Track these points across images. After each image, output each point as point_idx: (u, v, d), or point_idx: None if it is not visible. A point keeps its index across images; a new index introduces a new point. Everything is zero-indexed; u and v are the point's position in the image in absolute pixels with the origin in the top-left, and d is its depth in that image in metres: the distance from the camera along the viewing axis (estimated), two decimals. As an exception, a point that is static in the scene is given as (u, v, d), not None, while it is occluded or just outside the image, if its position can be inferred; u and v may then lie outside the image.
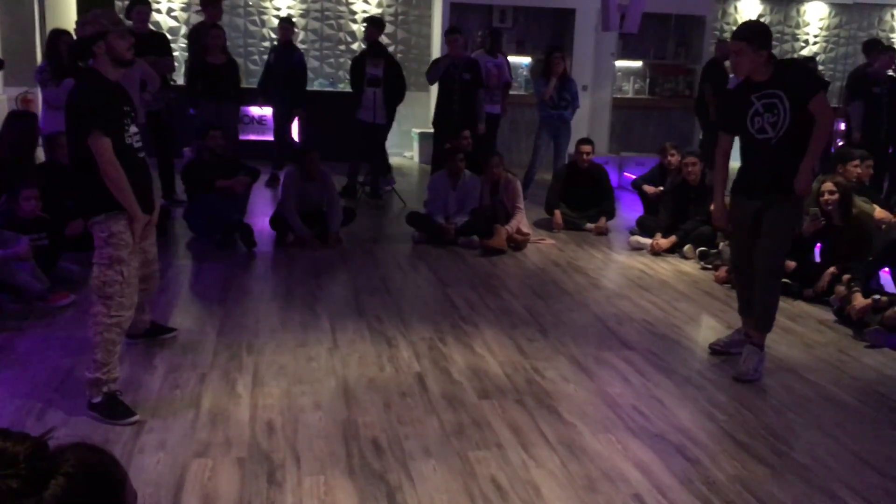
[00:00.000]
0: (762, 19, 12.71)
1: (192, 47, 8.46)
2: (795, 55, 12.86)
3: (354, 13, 11.51)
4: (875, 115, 8.69)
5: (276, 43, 9.69)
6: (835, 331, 5.04)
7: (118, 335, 3.51)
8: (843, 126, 9.43)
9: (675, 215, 6.91)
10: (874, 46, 8.94)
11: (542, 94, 8.50)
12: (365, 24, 9.29)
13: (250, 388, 3.82)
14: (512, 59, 11.52)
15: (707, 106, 9.39)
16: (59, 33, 6.85)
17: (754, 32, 4.06)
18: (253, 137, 10.51)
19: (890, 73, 8.84)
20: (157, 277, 4.15)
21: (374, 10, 11.55)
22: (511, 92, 9.59)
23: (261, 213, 7.31)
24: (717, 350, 4.53)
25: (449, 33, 8.62)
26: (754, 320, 4.29)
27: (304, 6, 11.39)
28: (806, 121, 4.01)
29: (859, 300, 4.91)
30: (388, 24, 11.59)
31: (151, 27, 8.61)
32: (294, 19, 11.32)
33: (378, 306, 5.14)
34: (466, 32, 11.26)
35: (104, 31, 3.43)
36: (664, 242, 6.78)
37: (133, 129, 3.57)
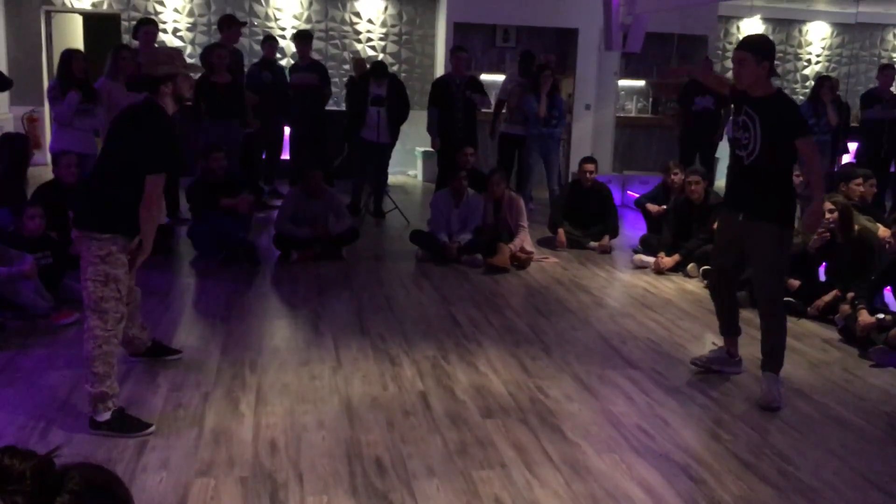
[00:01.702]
0: (764, 39, 12.78)
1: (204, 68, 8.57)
2: (798, 74, 12.93)
3: (359, 33, 11.59)
4: (876, 133, 8.74)
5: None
6: (839, 350, 5.02)
7: (115, 346, 3.55)
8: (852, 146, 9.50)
9: (679, 233, 6.91)
10: (882, 68, 9.11)
11: (535, 112, 8.54)
12: (294, 40, 9.37)
13: (253, 406, 3.82)
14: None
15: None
16: (72, 53, 6.93)
17: (759, 44, 4.10)
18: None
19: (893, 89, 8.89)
20: (137, 290, 4.14)
21: (377, 31, 11.64)
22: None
23: (265, 231, 7.32)
24: (697, 365, 4.53)
25: (455, 51, 8.71)
26: (763, 359, 4.20)
27: (308, 26, 11.47)
28: (783, 155, 4.03)
29: (865, 317, 4.90)
30: (391, 44, 11.68)
31: (156, 46, 8.68)
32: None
33: (381, 324, 5.14)
34: (470, 51, 11.38)
35: (175, 74, 3.62)
36: (668, 261, 6.77)
37: None
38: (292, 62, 9.64)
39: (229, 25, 8.29)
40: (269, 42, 9.41)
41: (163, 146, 3.56)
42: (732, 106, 4.25)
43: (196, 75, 3.92)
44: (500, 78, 11.59)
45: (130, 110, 3.63)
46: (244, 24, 8.88)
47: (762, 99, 4.05)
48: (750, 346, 4.95)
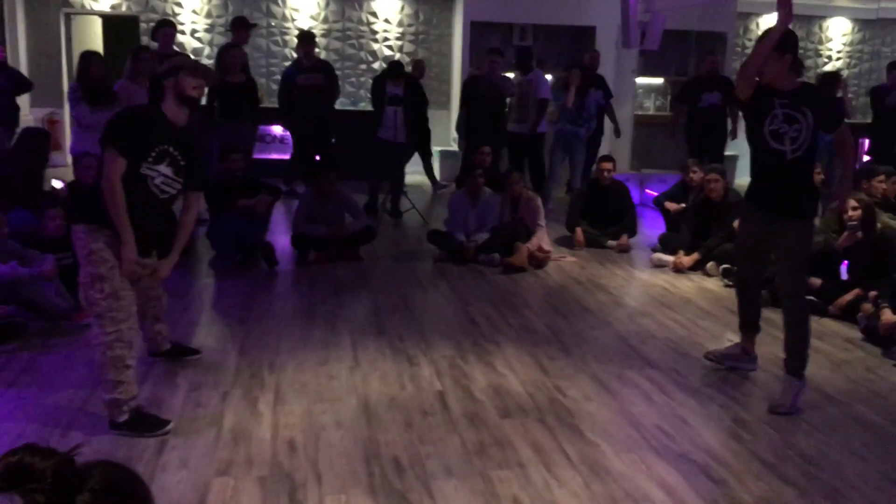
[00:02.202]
0: (784, 35, 12.66)
1: (218, 68, 8.58)
2: (819, 71, 12.79)
3: (375, 32, 11.60)
4: (886, 128, 8.66)
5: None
6: (862, 349, 4.96)
7: (122, 349, 3.47)
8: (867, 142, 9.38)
9: (698, 232, 6.86)
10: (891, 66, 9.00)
11: (563, 103, 8.56)
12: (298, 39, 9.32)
13: (272, 406, 3.83)
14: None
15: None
16: (90, 55, 6.98)
17: (779, 37, 4.00)
18: (275, 156, 10.56)
19: None
20: (163, 296, 4.21)
21: (394, 30, 11.64)
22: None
23: (282, 231, 7.35)
24: (710, 359, 4.52)
25: (490, 52, 8.76)
26: (785, 359, 4.12)
27: (325, 26, 11.49)
28: (815, 147, 4.05)
29: (888, 316, 4.84)
30: (408, 44, 11.69)
31: (176, 48, 8.73)
32: (316, 38, 11.45)
33: (399, 324, 5.13)
34: (485, 51, 11.37)
35: (178, 67, 3.58)
36: (687, 260, 6.72)
37: (164, 169, 3.56)
38: (298, 60, 9.45)
39: (239, 28, 8.32)
40: (307, 43, 9.34)
41: (121, 125, 3.53)
42: (745, 102, 4.12)
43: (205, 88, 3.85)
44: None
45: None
46: (255, 25, 8.90)
47: (798, 91, 4.03)
48: (771, 346, 4.90)
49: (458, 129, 8.78)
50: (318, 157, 9.01)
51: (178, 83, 3.56)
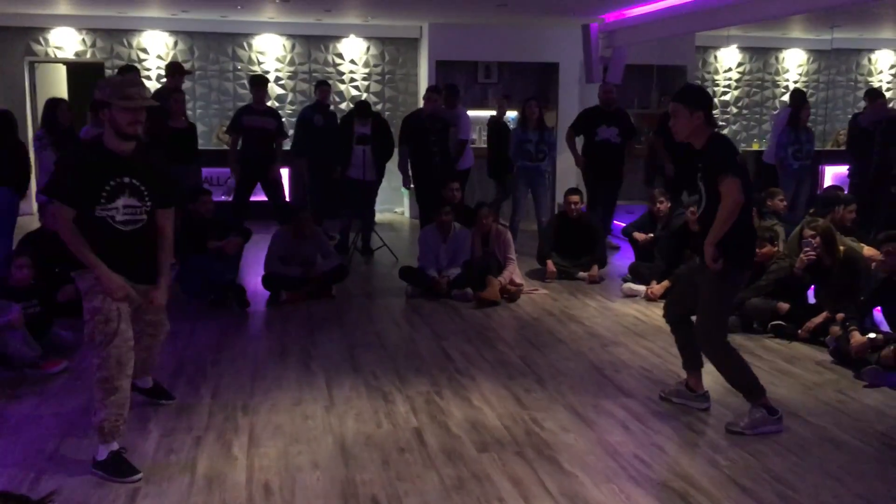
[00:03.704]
0: (742, 67, 12.99)
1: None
2: (777, 101, 13.11)
3: (342, 73, 11.69)
4: (866, 153, 8.80)
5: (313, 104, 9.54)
6: (832, 371, 5.02)
7: (110, 369, 3.43)
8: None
9: (670, 261, 6.93)
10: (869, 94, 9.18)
11: (520, 139, 8.47)
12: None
13: (246, 449, 3.77)
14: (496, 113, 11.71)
15: (656, 159, 8.85)
16: (57, 102, 6.96)
17: (689, 93, 4.04)
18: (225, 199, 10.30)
19: None
20: (166, 325, 4.09)
21: (360, 71, 11.75)
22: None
23: (253, 273, 7.30)
24: (662, 397, 4.48)
25: (428, 91, 8.70)
26: (742, 394, 4.13)
27: (292, 68, 11.57)
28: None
29: (857, 338, 4.91)
30: (375, 83, 11.80)
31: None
32: (282, 81, 11.52)
33: (373, 362, 5.11)
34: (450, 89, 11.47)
35: (106, 103, 3.44)
36: (658, 288, 6.78)
37: (125, 201, 3.51)
38: (248, 105, 9.01)
39: (175, 72, 8.25)
40: (323, 87, 9.41)
41: (58, 173, 3.50)
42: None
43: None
44: (483, 114, 11.70)
45: None
46: (189, 72, 8.87)
47: (702, 151, 4.00)
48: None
49: (400, 167, 8.58)
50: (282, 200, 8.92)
51: (113, 119, 3.44)
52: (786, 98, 13.05)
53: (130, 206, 3.53)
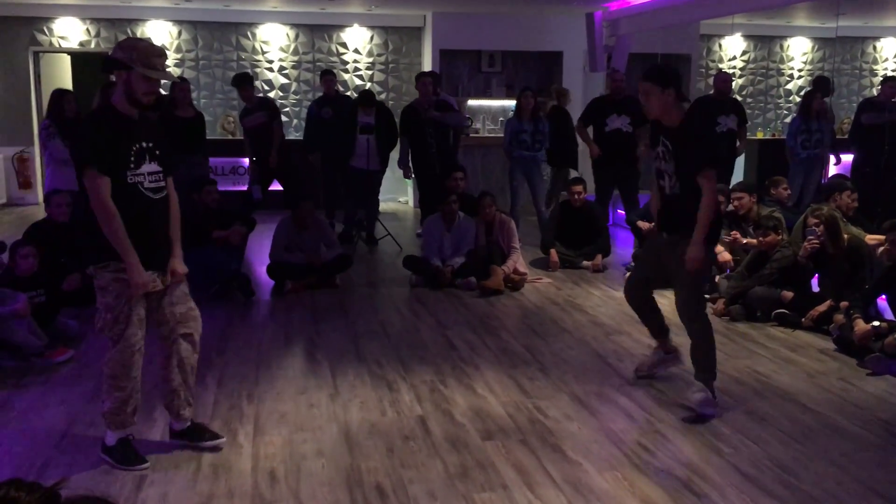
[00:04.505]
0: (746, 55, 12.94)
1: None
2: (781, 90, 13.06)
3: (346, 63, 11.68)
4: (875, 141, 8.76)
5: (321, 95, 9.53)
6: (835, 359, 5.03)
7: (117, 368, 3.42)
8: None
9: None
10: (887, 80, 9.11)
11: (516, 129, 8.38)
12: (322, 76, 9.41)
13: (251, 437, 3.80)
14: (502, 102, 11.72)
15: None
16: (63, 93, 6.97)
17: (659, 73, 4.13)
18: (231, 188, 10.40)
19: None
20: (197, 315, 3.75)
21: (364, 60, 11.73)
22: (502, 135, 9.60)
23: (258, 262, 7.32)
24: (641, 375, 4.59)
25: (417, 77, 8.65)
26: (695, 369, 4.20)
27: (295, 58, 11.56)
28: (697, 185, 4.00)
29: (861, 326, 4.91)
30: (378, 73, 11.79)
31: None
32: (286, 71, 11.51)
33: (378, 351, 5.13)
34: (456, 78, 11.46)
35: (126, 65, 3.25)
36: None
37: (148, 167, 3.34)
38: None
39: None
40: (327, 76, 9.27)
41: (84, 139, 3.26)
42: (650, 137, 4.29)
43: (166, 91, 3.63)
44: (488, 103, 11.70)
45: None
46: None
47: (679, 130, 4.06)
48: (747, 359, 4.98)
49: (400, 161, 8.52)
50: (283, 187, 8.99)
51: (130, 83, 3.26)
52: (790, 87, 13.02)
53: (153, 172, 3.38)
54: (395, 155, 9.02)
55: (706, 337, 4.17)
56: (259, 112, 8.60)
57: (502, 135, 11.53)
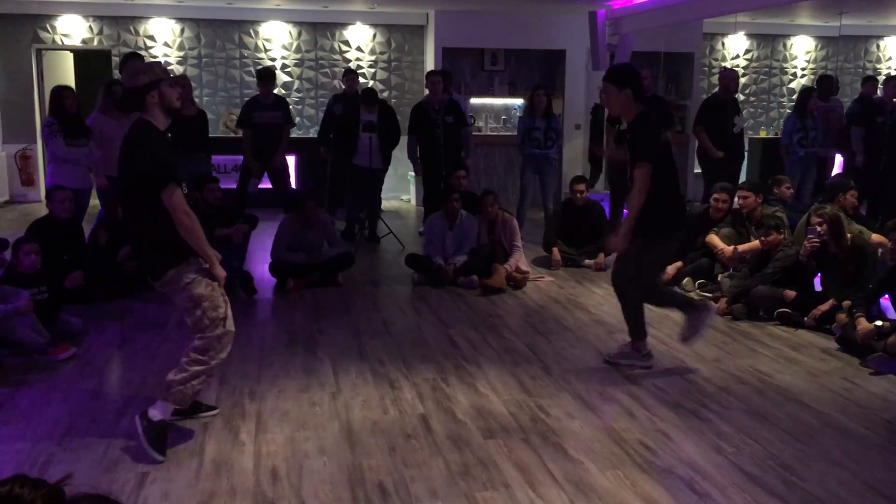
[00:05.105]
0: (749, 54, 12.92)
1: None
2: (784, 88, 13.04)
3: (349, 61, 11.67)
4: (876, 143, 8.75)
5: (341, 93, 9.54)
6: (838, 359, 5.02)
7: (214, 349, 3.60)
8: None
9: (680, 246, 6.87)
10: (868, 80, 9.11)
11: (527, 126, 8.40)
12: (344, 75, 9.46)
13: (254, 435, 3.80)
14: (504, 100, 11.71)
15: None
16: (62, 89, 6.97)
17: (616, 73, 4.44)
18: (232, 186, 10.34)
19: None
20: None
21: (367, 58, 11.73)
22: (505, 133, 9.63)
23: (260, 260, 7.32)
24: (608, 361, 4.87)
25: (428, 75, 8.65)
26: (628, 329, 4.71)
27: (298, 55, 11.56)
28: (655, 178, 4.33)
29: (864, 324, 4.91)
30: (381, 71, 11.79)
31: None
32: (288, 69, 11.51)
33: (380, 349, 5.13)
34: (458, 76, 11.44)
35: (157, 81, 3.51)
36: (671, 269, 6.68)
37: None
38: (256, 98, 8.89)
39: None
40: (349, 76, 9.35)
41: (160, 158, 3.48)
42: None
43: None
44: (490, 101, 11.68)
45: (124, 140, 3.60)
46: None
47: (630, 125, 4.42)
48: (750, 358, 4.97)
49: (410, 156, 8.60)
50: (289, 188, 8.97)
51: (163, 95, 3.54)
52: (793, 85, 12.99)
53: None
54: (398, 153, 9.04)
55: (661, 298, 4.77)
56: (276, 111, 8.55)
57: (505, 133, 11.61)
